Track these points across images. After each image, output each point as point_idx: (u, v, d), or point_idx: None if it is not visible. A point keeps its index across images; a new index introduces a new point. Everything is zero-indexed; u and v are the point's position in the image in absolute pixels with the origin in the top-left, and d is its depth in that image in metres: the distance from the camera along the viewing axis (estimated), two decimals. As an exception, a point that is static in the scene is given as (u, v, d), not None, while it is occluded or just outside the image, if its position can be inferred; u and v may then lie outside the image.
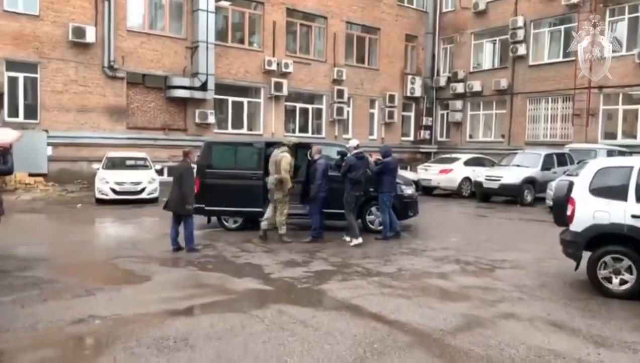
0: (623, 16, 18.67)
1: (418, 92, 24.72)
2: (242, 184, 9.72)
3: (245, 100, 20.28)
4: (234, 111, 20.06)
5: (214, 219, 10.55)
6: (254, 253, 8.25)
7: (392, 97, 23.74)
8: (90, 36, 16.44)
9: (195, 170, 8.46)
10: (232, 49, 19.60)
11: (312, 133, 21.90)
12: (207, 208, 9.76)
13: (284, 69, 20.27)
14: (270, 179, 9.05)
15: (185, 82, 18.18)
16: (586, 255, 6.33)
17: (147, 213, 12.72)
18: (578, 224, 6.27)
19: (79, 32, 16.31)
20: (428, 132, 25.45)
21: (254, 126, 20.51)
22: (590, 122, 19.23)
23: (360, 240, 8.91)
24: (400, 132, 24.78)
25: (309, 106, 22.10)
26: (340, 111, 21.94)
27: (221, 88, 19.18)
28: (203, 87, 18.35)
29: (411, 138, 25.32)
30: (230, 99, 19.89)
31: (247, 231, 9.99)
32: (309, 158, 9.87)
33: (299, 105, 21.73)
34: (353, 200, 9.16)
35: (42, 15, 16.18)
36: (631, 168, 6.13)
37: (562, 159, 16.08)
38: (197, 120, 18.55)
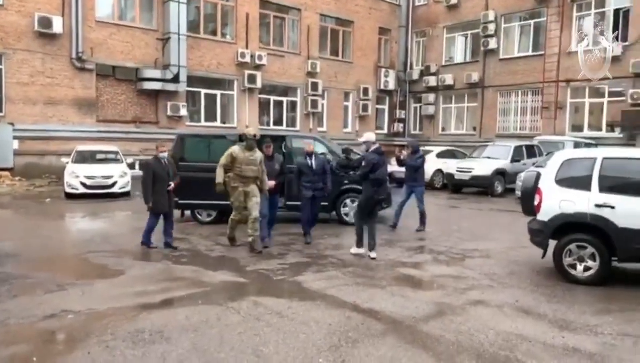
0: (590, 11, 19.18)
1: (392, 85, 24.91)
2: (214, 177, 9.62)
3: (218, 92, 20.09)
4: (206, 104, 19.86)
5: (187, 212, 10.48)
6: (229, 245, 8.24)
7: (366, 90, 23.87)
8: (57, 26, 16.01)
9: (162, 163, 7.82)
10: (204, 41, 19.37)
11: (287, 126, 21.88)
12: (180, 201, 9.67)
13: (257, 61, 20.15)
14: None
15: (157, 74, 17.90)
16: (552, 243, 6.55)
17: (119, 207, 12.53)
18: (545, 214, 6.48)
19: (45, 22, 15.87)
20: (402, 125, 25.71)
21: (228, 119, 20.35)
22: (558, 115, 19.74)
23: (362, 250, 7.61)
24: (374, 125, 24.95)
25: (283, 99, 22.05)
26: (314, 103, 21.96)
27: (193, 80, 18.95)
28: (175, 79, 18.11)
29: (385, 131, 25.53)
30: (203, 91, 19.69)
31: (221, 224, 9.92)
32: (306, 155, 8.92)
33: (273, 97, 21.66)
34: (372, 205, 7.55)
35: (6, 5, 15.68)
36: (594, 159, 6.35)
37: (532, 151, 16.48)
38: (169, 113, 18.31)
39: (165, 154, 7.95)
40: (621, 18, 18.17)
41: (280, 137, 10.97)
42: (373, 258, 7.30)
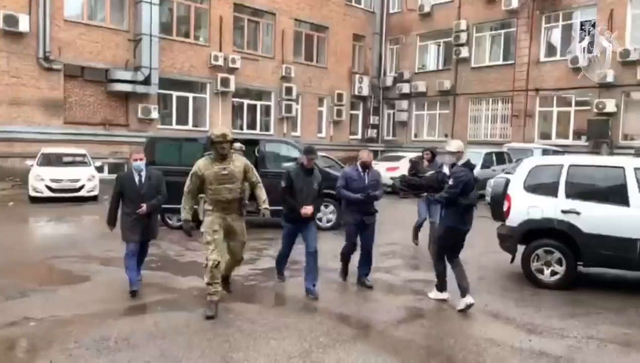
0: (557, 23, 19.73)
1: (366, 92, 25.08)
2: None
3: (190, 95, 19.85)
4: (178, 107, 19.59)
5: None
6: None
7: (340, 96, 23.97)
8: (24, 25, 15.56)
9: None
10: (177, 43, 19.13)
11: (261, 130, 21.76)
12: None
13: (231, 65, 20.01)
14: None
15: (128, 75, 17.56)
16: (521, 249, 6.67)
17: (87, 211, 12.22)
18: (513, 219, 6.60)
19: (11, 20, 15.40)
20: (375, 131, 25.90)
21: (200, 122, 20.11)
22: (527, 123, 20.21)
23: (445, 295, 5.85)
24: (348, 131, 25.06)
25: (257, 103, 21.94)
26: (288, 108, 21.92)
27: (165, 83, 18.68)
28: (146, 81, 17.80)
29: (359, 137, 25.66)
30: (175, 94, 19.42)
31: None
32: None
33: (246, 101, 21.53)
34: (457, 239, 5.67)
35: (-30, 1, 15.17)
36: (561, 166, 6.52)
37: (501, 158, 16.81)
38: (139, 115, 17.98)
39: (141, 164, 5.79)
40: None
41: (253, 141, 10.89)
42: (470, 305, 5.40)
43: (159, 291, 5.92)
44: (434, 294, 5.91)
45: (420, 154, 9.17)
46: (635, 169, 6.14)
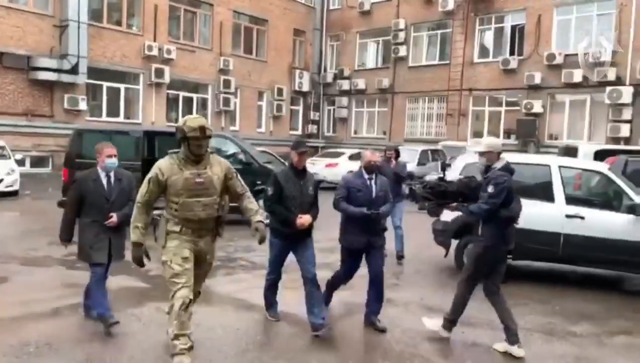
0: (490, 26, 20.59)
1: (306, 87, 25.06)
2: (118, 175, 9.05)
3: (122, 86, 18.97)
4: (109, 98, 18.66)
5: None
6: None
7: (280, 91, 23.80)
8: None
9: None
10: (107, 31, 18.20)
11: (198, 124, 21.16)
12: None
13: (166, 55, 19.31)
14: None
15: (53, 63, 16.49)
16: (455, 243, 6.87)
17: (5, 207, 11.36)
18: (447, 215, 6.77)
19: None
20: (315, 126, 25.95)
21: (132, 114, 19.28)
22: (461, 122, 20.97)
23: (448, 335, 4.67)
24: (288, 126, 24.95)
25: (194, 95, 21.34)
26: (226, 101, 21.48)
27: (95, 72, 17.73)
28: (73, 70, 16.80)
29: (299, 132, 25.61)
30: (105, 84, 18.48)
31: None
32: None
33: (182, 94, 20.87)
34: (497, 261, 4.55)
35: None
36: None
37: (436, 155, 17.35)
38: (66, 106, 16.96)
39: (113, 162, 4.54)
40: (517, 34, 19.69)
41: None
42: (520, 358, 4.31)
43: (85, 292, 5.57)
44: (433, 324, 4.75)
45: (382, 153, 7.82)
46: (560, 167, 6.50)
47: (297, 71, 24.67)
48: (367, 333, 4.72)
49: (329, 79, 25.31)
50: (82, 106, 17.24)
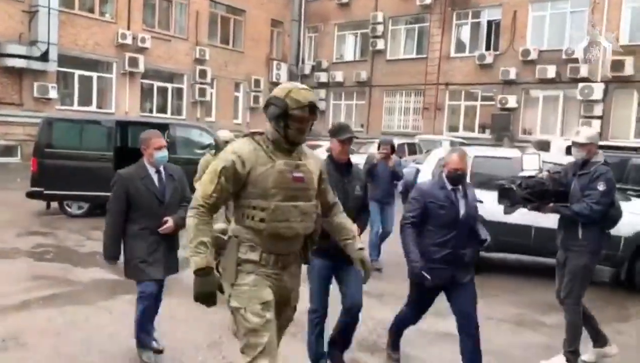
0: (467, 20, 20.75)
1: (284, 79, 24.86)
2: (88, 166, 8.87)
3: (94, 75, 18.49)
4: (81, 86, 18.18)
5: (54, 204, 9.53)
6: (102, 241, 7.60)
7: (257, 82, 23.60)
8: None
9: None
10: (79, 18, 17.71)
11: (172, 114, 20.85)
12: (46, 191, 8.80)
13: (140, 44, 18.90)
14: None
15: (21, 50, 15.95)
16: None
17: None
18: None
19: None
20: (292, 118, 25.79)
21: (105, 104, 18.85)
22: (437, 116, 21.14)
23: (615, 350, 4.25)
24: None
25: (169, 85, 20.98)
26: (202, 92, 21.19)
27: (66, 60, 17.24)
28: (43, 57, 16.29)
29: (276, 124, 25.43)
30: (77, 72, 17.98)
31: (94, 217, 9.18)
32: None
33: (157, 83, 20.50)
34: (595, 267, 4.21)
35: None
36: (467, 156, 6.85)
37: (413, 149, 17.46)
38: (35, 94, 16.46)
39: (164, 155, 3.78)
40: (493, 29, 19.91)
41: (163, 125, 10.38)
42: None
43: (55, 284, 5.46)
44: (594, 354, 4.19)
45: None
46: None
47: (275, 62, 24.49)
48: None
49: (307, 70, 25.20)
50: (53, 94, 16.76)
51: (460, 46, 20.99)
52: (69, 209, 9.38)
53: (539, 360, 4.22)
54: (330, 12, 24.40)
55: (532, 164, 4.84)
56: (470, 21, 20.61)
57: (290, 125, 2.48)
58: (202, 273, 2.42)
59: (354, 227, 2.85)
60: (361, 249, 2.74)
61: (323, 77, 24.28)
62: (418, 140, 18.33)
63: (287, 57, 25.43)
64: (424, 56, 21.48)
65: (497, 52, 19.40)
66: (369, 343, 4.36)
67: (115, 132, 9.26)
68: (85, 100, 18.24)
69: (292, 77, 25.32)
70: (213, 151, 5.86)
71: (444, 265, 3.53)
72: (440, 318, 4.96)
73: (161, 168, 3.78)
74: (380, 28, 22.30)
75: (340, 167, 3.63)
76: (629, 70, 16.30)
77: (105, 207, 3.76)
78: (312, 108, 2.50)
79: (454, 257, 3.53)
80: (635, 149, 9.16)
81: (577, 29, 17.80)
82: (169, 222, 3.69)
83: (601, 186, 3.84)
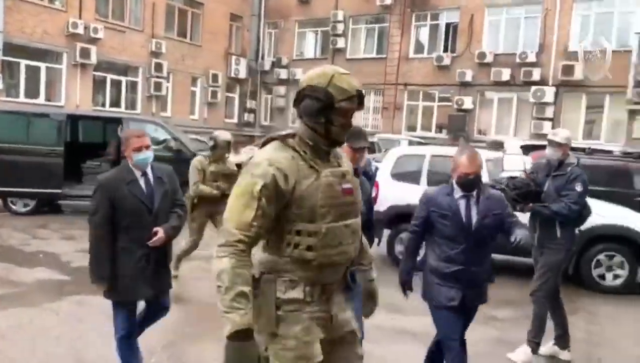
0: (426, 22, 21.07)
1: (243, 74, 24.59)
2: (36, 161, 8.45)
3: (43, 65, 17.63)
4: (28, 77, 17.25)
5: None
6: (49, 239, 7.27)
7: (215, 77, 23.19)
8: None
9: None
10: (26, 4, 16.81)
11: (126, 108, 20.17)
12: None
13: (92, 34, 18.17)
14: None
15: (-37, 37, 15.10)
16: (387, 233, 7.00)
17: None
18: (381, 205, 6.88)
19: None
20: (252, 115, 25.58)
21: (54, 96, 18.01)
22: (396, 115, 21.41)
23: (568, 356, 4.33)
24: (224, 114, 24.39)
25: (122, 78, 20.30)
26: (158, 86, 20.63)
27: (11, 49, 16.35)
28: (-13, 45, 15.47)
29: (235, 120, 25.14)
30: (24, 62, 17.07)
31: (41, 215, 8.78)
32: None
33: (110, 76, 19.78)
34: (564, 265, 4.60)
35: None
36: (424, 155, 6.98)
37: (372, 147, 17.60)
38: (-22, 84, 15.60)
39: (146, 158, 3.25)
40: (451, 32, 20.32)
41: (116, 120, 10.05)
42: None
43: (-4, 285, 5.15)
44: (550, 349, 4.30)
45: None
46: (486, 160, 6.75)
47: (234, 57, 24.14)
48: None
49: (267, 67, 24.98)
50: (-3, 84, 15.92)
51: (419, 47, 21.31)
52: (13, 207, 8.94)
53: (492, 354, 4.30)
54: (291, 9, 24.27)
55: (514, 165, 4.89)
56: (429, 23, 20.95)
57: (334, 120, 1.96)
58: (241, 336, 1.75)
59: (370, 252, 2.42)
60: (372, 281, 2.35)
61: (283, 73, 24.13)
62: (377, 139, 18.51)
63: (247, 52, 25.13)
64: (384, 55, 21.68)
65: (455, 54, 19.81)
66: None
67: (66, 127, 8.89)
68: (32, 92, 17.37)
69: (251, 72, 25.07)
70: (209, 154, 5.48)
71: (454, 284, 3.09)
72: (398, 314, 5.00)
73: (148, 170, 3.27)
74: (340, 27, 22.36)
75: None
76: (578, 74, 17.00)
77: (88, 220, 3.21)
78: (360, 97, 2.00)
79: (465, 275, 3.08)
80: (583, 150, 9.51)
81: (530, 34, 18.41)
82: (160, 233, 3.19)
83: (579, 187, 4.00)
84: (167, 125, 10.62)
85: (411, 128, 21.31)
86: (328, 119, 1.96)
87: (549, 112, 17.81)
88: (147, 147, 3.23)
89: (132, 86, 20.61)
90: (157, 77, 20.57)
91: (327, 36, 23.08)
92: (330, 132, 1.98)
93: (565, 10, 17.56)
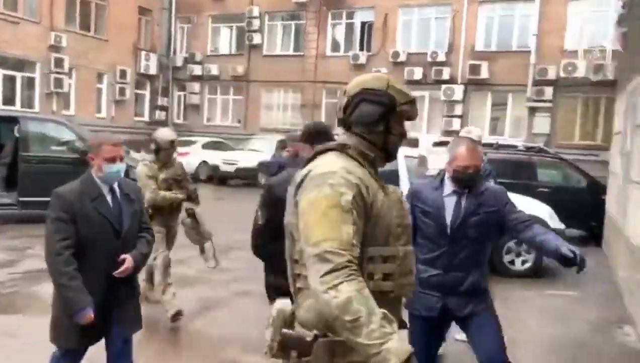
0: (341, 20, 21.28)
1: (153, 70, 23.40)
2: None
3: None
4: None
5: None
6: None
7: (123, 73, 21.86)
8: None
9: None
10: None
11: (22, 106, 18.39)
12: None
13: (-19, 25, 16.40)
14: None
15: None
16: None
17: None
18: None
19: None
20: (164, 113, 24.44)
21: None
22: (315, 113, 21.41)
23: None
24: (133, 112, 23.08)
25: (17, 74, 18.47)
26: (59, 82, 19.02)
27: None
28: None
29: (146, 119, 23.87)
30: None
31: None
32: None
33: (2, 71, 17.94)
34: None
35: None
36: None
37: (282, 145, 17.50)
38: None
39: (119, 170, 2.76)
40: (366, 31, 20.68)
41: (11, 118, 9.06)
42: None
43: None
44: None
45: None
46: (405, 156, 6.92)
47: (143, 53, 22.90)
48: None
49: (179, 63, 23.99)
50: None
51: (335, 45, 21.48)
52: None
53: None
54: (204, 3, 23.47)
55: (439, 164, 4.88)
56: (344, 21, 21.18)
57: (392, 128, 1.71)
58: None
59: None
60: None
61: (197, 70, 23.30)
62: (287, 136, 18.41)
63: (157, 47, 23.96)
64: (301, 53, 21.62)
65: (370, 53, 20.19)
66: (253, 346, 4.09)
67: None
68: None
69: (162, 68, 23.99)
70: (152, 159, 4.73)
71: (431, 291, 2.75)
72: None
73: (115, 186, 2.75)
74: (256, 22, 21.99)
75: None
76: (484, 73, 17.98)
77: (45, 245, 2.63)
78: (414, 103, 1.77)
79: (444, 281, 2.73)
80: (491, 145, 10.04)
81: (441, 35, 19.19)
82: (128, 262, 2.69)
83: (492, 182, 4.09)
84: (71, 124, 9.76)
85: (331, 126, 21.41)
86: (387, 127, 1.71)
87: (458, 109, 18.68)
88: (122, 158, 2.73)
89: (29, 83, 18.88)
90: (58, 73, 18.98)
91: (243, 32, 22.61)
92: (388, 144, 1.73)
93: (471, 12, 18.50)
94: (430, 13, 19.53)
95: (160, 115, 24.20)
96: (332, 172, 1.56)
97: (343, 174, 1.56)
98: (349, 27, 21.12)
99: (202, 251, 5.02)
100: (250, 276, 6.04)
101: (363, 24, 20.71)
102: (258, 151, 16.86)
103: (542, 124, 17.66)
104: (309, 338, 1.53)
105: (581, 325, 5.31)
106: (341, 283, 1.39)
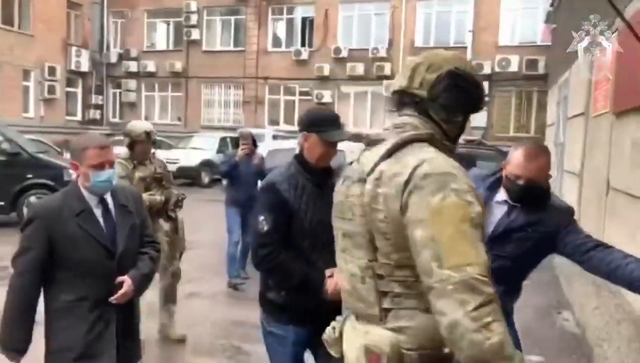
0: (282, 16, 21.12)
1: (85, 67, 22.27)
2: None
3: None
4: None
5: None
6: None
7: (52, 70, 20.64)
8: None
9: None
10: None
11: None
12: None
13: None
14: None
15: None
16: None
17: None
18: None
19: None
20: (99, 111, 23.33)
21: None
22: (258, 110, 21.15)
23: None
24: (64, 111, 21.85)
25: None
26: (-19, 80, 17.71)
27: None
28: None
29: (79, 118, 22.70)
30: None
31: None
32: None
33: None
34: None
35: None
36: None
37: (236, 143, 17.14)
38: None
39: (108, 178, 2.23)
40: (307, 26, 20.62)
41: None
42: None
43: None
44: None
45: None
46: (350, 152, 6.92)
47: (74, 49, 21.73)
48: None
49: (113, 59, 22.96)
50: None
51: (276, 41, 21.30)
52: None
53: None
54: (139, -3, 22.60)
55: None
56: (285, 17, 21.05)
57: (466, 121, 1.50)
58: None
59: None
60: None
61: (133, 66, 22.41)
62: (240, 133, 18.09)
63: (89, 43, 22.82)
64: (242, 49, 21.28)
65: (312, 49, 20.17)
66: (205, 348, 3.93)
67: None
68: None
69: (95, 64, 22.91)
70: (126, 155, 4.03)
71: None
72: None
73: (107, 196, 2.29)
74: (194, 17, 21.41)
75: (317, 177, 2.33)
76: (423, 69, 18.39)
77: (11, 262, 2.21)
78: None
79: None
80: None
81: (381, 30, 19.46)
82: (126, 286, 2.23)
83: None
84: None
85: (274, 122, 21.26)
86: (466, 116, 1.48)
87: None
88: (111, 164, 2.26)
89: (-56, 79, 17.39)
90: (-22, 69, 17.62)
91: (181, 27, 21.99)
92: (457, 137, 1.51)
93: (410, 8, 18.89)
94: (370, 9, 19.76)
95: (94, 114, 23.09)
96: (451, 174, 1.29)
97: (463, 177, 1.30)
98: (290, 23, 21.02)
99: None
100: (199, 277, 5.88)
101: (304, 19, 20.67)
102: (200, 149, 16.44)
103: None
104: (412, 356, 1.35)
105: (526, 311, 5.48)
106: (493, 322, 1.19)
